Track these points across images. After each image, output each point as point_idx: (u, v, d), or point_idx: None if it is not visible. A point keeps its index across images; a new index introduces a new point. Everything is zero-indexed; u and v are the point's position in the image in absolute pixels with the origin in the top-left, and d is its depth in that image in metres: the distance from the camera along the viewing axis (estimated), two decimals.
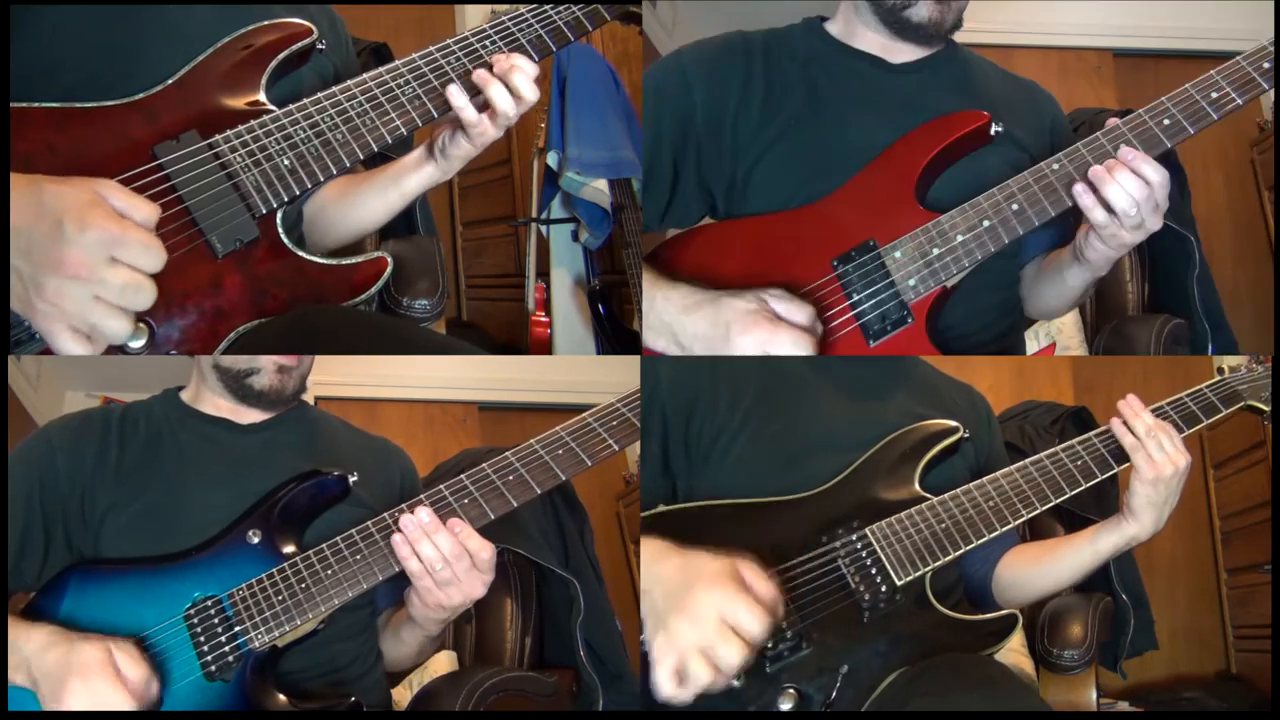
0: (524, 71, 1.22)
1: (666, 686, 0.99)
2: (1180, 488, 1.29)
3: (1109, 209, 1.24)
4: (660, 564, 1.09)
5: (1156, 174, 1.22)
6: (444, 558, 1.19)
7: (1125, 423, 1.29)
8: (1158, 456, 1.26)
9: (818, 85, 1.41)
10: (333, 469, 1.28)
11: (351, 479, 1.27)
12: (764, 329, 1.20)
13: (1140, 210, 1.23)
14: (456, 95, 1.22)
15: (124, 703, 1.07)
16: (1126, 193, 1.22)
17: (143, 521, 1.26)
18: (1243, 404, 1.37)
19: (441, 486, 1.23)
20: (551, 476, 1.24)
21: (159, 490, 1.29)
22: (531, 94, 1.23)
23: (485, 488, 1.23)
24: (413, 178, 1.34)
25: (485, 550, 1.20)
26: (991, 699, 1.07)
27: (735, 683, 1.07)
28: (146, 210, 0.99)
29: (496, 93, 1.22)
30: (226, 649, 1.16)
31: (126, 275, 0.95)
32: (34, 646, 1.10)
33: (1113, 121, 1.28)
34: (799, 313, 1.22)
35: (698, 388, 1.35)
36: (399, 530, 1.20)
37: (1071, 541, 1.39)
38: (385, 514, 1.23)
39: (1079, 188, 1.25)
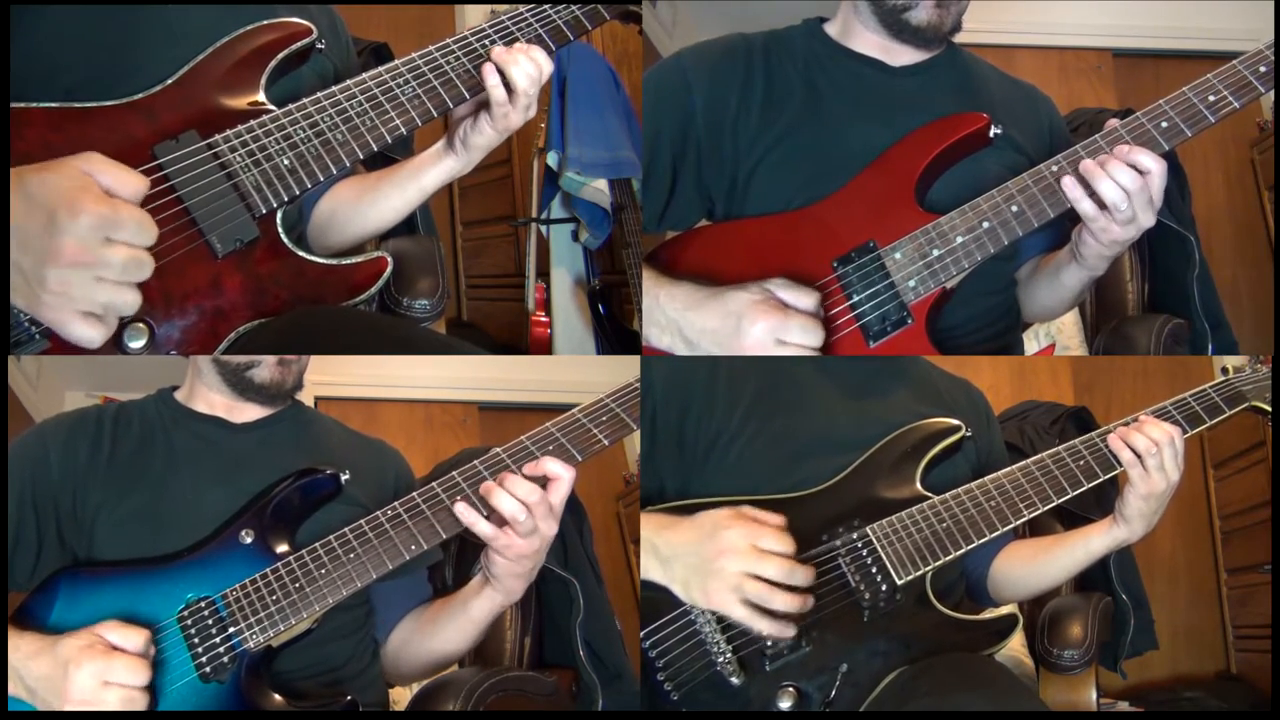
0: (537, 58, 1.26)
1: (757, 624, 1.13)
2: (1168, 499, 1.29)
3: (1101, 204, 1.23)
4: (672, 530, 1.19)
5: (1155, 164, 1.22)
6: (525, 506, 1.18)
7: (1123, 439, 1.29)
8: (1155, 475, 1.26)
9: (818, 88, 1.42)
10: (325, 467, 1.28)
11: (343, 476, 1.27)
12: (774, 317, 1.20)
13: (1132, 204, 1.22)
14: (490, 74, 1.23)
15: (128, 669, 1.07)
16: (1117, 185, 1.22)
17: (135, 521, 1.26)
18: (1247, 405, 1.37)
19: (434, 484, 1.23)
20: None
21: (150, 490, 1.29)
22: (548, 65, 1.26)
23: (478, 484, 1.23)
24: (432, 171, 1.34)
25: (568, 472, 1.21)
26: (991, 699, 1.08)
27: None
28: (134, 184, 0.99)
29: (516, 71, 1.23)
30: (221, 650, 1.16)
31: (125, 252, 0.96)
32: (21, 655, 1.09)
33: (1112, 123, 1.28)
34: (805, 298, 1.23)
35: (693, 388, 1.35)
36: (464, 498, 1.20)
37: (1064, 541, 1.40)
38: (378, 512, 1.22)
39: (1067, 180, 1.25)
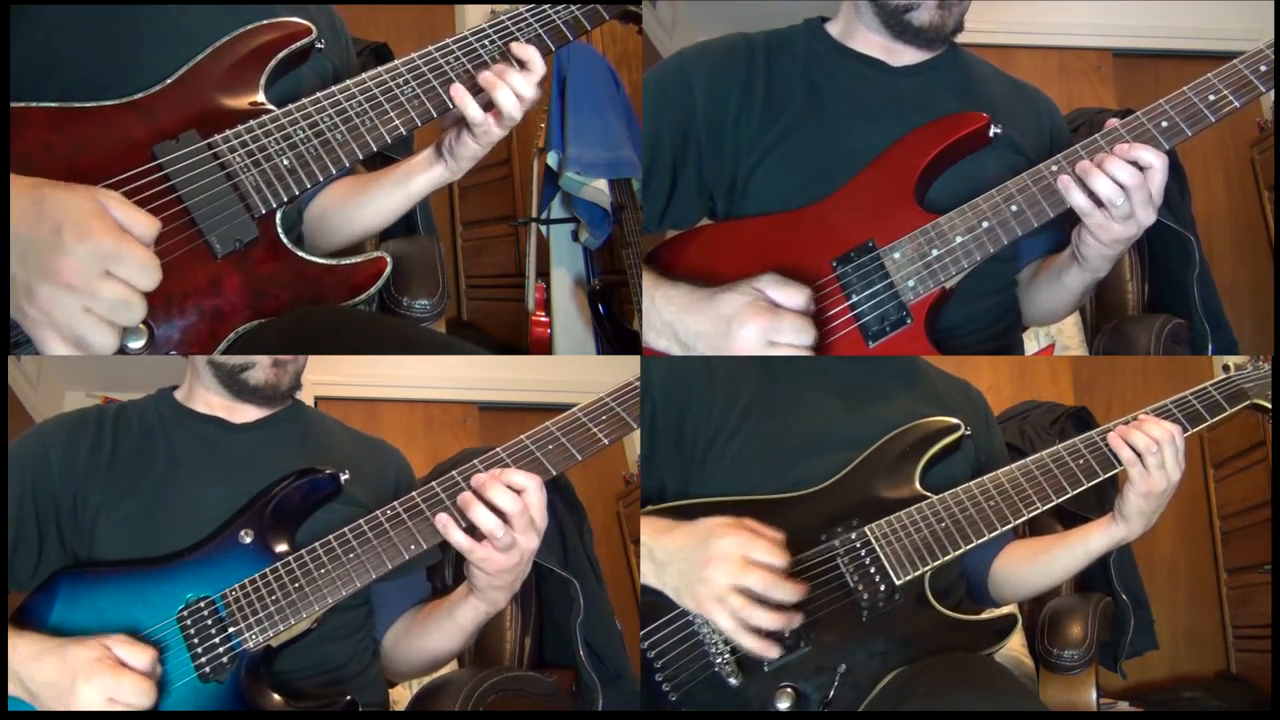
0: (529, 70, 1.24)
1: (741, 639, 1.12)
2: (1168, 498, 1.28)
3: (1096, 201, 1.23)
4: (668, 534, 1.18)
5: (1156, 159, 1.21)
6: (502, 523, 1.16)
7: (1123, 437, 1.28)
8: (1156, 474, 1.25)
9: (818, 87, 1.42)
10: (325, 467, 1.28)
11: (343, 476, 1.27)
12: (765, 319, 1.20)
13: (1130, 200, 1.22)
14: (460, 95, 1.22)
15: (136, 689, 1.07)
16: (1113, 181, 1.21)
17: (135, 521, 1.26)
18: (1248, 402, 1.37)
19: (434, 483, 1.23)
20: (542, 471, 1.24)
21: (151, 490, 1.29)
22: (532, 93, 1.24)
23: None
24: (421, 178, 1.34)
25: (531, 480, 1.18)
26: (989, 699, 1.08)
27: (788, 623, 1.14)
28: (146, 224, 0.99)
29: (502, 94, 1.22)
30: (220, 650, 1.16)
31: (119, 291, 0.95)
32: (22, 656, 1.09)
33: (1112, 123, 1.28)
34: (795, 296, 1.22)
35: (692, 387, 1.35)
36: (447, 510, 1.18)
37: (1064, 540, 1.40)
38: (378, 512, 1.22)
39: (1063, 178, 1.25)
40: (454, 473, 1.24)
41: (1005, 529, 1.27)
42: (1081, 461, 1.30)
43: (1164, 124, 1.26)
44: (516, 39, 1.28)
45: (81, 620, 1.15)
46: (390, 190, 1.36)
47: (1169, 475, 1.26)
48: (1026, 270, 1.52)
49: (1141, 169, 1.22)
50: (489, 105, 1.23)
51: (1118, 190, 1.21)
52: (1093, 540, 1.34)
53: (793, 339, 1.20)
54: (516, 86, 1.23)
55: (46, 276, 0.93)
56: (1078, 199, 1.24)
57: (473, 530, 1.18)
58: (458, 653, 1.43)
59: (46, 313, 0.94)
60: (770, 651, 1.13)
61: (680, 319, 1.25)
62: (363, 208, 1.37)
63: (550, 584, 1.70)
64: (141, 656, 1.10)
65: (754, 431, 1.33)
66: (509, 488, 1.18)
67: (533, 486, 1.18)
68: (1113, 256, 1.33)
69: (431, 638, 1.39)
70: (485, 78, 1.23)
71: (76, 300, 0.94)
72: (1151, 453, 1.25)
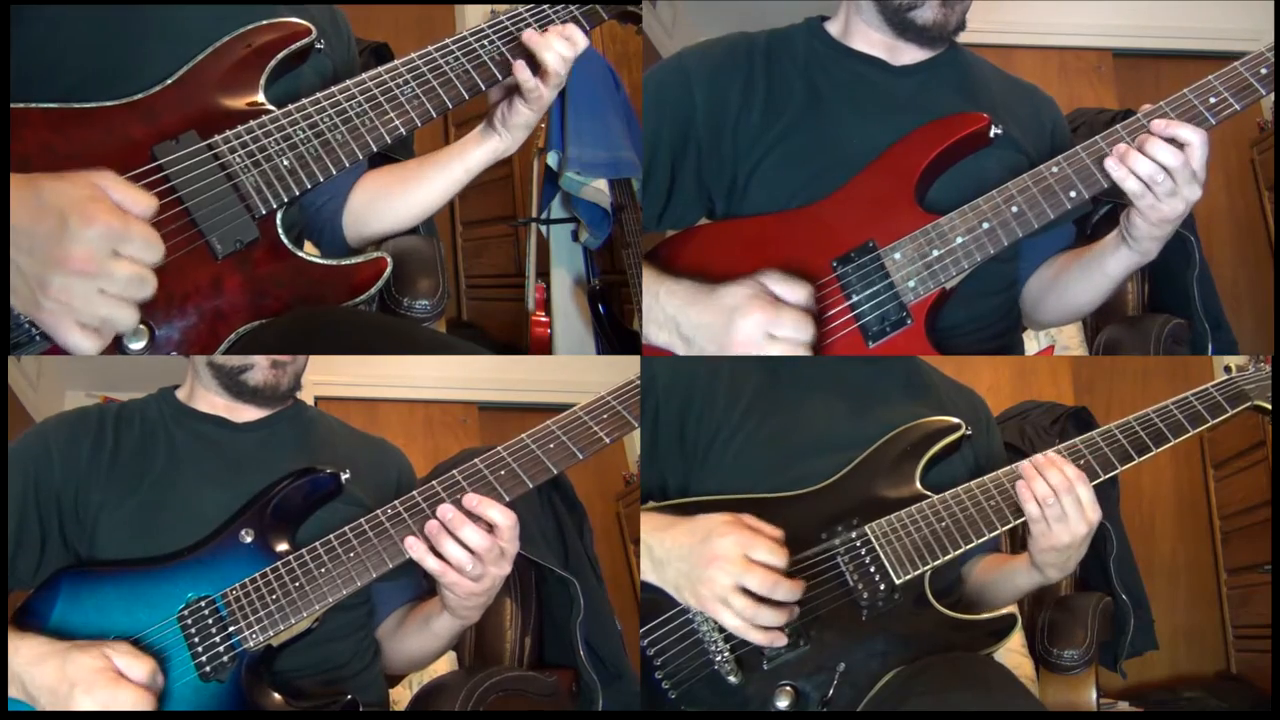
0: (571, 33, 1.29)
1: (747, 634, 1.13)
2: (1086, 543, 1.24)
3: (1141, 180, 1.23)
4: (668, 532, 1.18)
5: (1195, 136, 1.21)
6: (472, 556, 1.17)
7: (1029, 482, 1.23)
8: (1055, 527, 1.22)
9: (819, 87, 1.42)
10: (325, 467, 1.28)
11: (344, 476, 1.27)
12: (766, 312, 1.20)
13: (1174, 177, 1.21)
14: (521, 70, 1.26)
15: (135, 702, 1.07)
16: (1153, 160, 1.21)
17: (137, 520, 1.26)
18: (1249, 404, 1.37)
19: (434, 482, 1.23)
20: (543, 470, 1.24)
21: (152, 489, 1.29)
22: (582, 41, 1.29)
23: (478, 482, 1.23)
24: (477, 152, 1.37)
25: (506, 518, 1.19)
26: (987, 699, 1.08)
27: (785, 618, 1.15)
28: (144, 203, 0.99)
29: (550, 55, 1.26)
30: (221, 649, 1.16)
31: (130, 268, 0.96)
32: (24, 659, 1.09)
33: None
34: (798, 291, 1.22)
35: (695, 384, 1.35)
36: (415, 534, 1.19)
37: (1009, 566, 1.39)
38: (378, 511, 1.22)
39: (1110, 161, 1.25)
40: (455, 472, 1.24)
41: (1004, 529, 1.27)
42: (1082, 462, 1.30)
43: None
44: (516, 39, 1.28)
45: (83, 619, 1.15)
46: (448, 168, 1.38)
47: (1071, 529, 1.21)
48: (1045, 269, 1.52)
49: (1180, 146, 1.21)
50: (535, 70, 1.27)
51: (1156, 168, 1.21)
52: (1029, 576, 1.32)
53: (792, 333, 1.20)
54: (558, 47, 1.26)
55: (57, 266, 0.93)
56: (1129, 184, 1.24)
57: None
58: (438, 657, 1.46)
59: (63, 302, 0.94)
60: (777, 641, 1.15)
61: (684, 312, 1.26)
62: (419, 189, 1.40)
63: (550, 584, 1.70)
64: (141, 669, 1.09)
65: (756, 429, 1.33)
66: (483, 519, 1.18)
67: (507, 525, 1.19)
68: (1162, 237, 1.31)
69: (409, 643, 1.42)
70: (528, 37, 1.27)
71: (91, 284, 0.94)
72: (1049, 504, 1.21)
